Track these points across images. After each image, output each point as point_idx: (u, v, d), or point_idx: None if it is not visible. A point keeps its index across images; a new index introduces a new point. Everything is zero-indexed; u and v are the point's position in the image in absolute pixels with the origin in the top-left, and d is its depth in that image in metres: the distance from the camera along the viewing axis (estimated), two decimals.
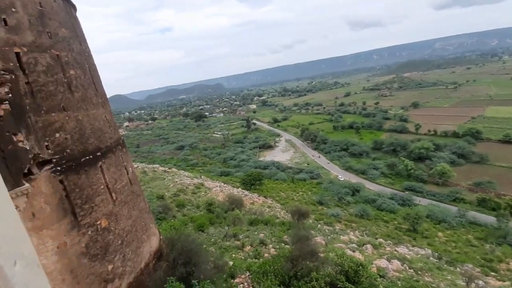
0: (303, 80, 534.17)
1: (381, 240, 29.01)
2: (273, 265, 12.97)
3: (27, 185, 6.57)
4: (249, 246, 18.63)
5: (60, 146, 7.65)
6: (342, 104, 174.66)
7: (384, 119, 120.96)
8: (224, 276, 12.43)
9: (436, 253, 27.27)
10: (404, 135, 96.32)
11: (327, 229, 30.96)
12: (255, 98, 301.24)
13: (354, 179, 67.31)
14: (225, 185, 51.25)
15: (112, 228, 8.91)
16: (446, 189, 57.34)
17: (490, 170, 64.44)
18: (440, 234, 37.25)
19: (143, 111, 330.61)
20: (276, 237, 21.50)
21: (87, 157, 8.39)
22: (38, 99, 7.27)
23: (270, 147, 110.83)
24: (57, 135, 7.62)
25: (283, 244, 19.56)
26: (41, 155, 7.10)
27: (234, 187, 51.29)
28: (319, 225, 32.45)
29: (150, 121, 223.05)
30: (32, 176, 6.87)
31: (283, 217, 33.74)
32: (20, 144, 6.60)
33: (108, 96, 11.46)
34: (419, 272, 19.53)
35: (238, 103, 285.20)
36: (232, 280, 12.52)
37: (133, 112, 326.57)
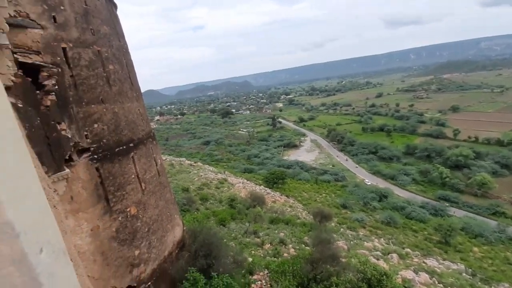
0: (333, 79, 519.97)
1: (408, 250, 27.54)
2: (292, 266, 12.88)
3: (67, 170, 7.14)
4: (269, 244, 18.66)
5: (98, 136, 8.20)
6: (373, 105, 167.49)
7: (419, 123, 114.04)
8: (243, 271, 12.59)
9: (470, 269, 25.33)
10: (441, 141, 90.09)
11: (350, 234, 30.04)
12: (282, 97, 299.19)
13: (382, 184, 64.47)
14: (248, 182, 51.70)
15: (140, 215, 9.40)
16: (486, 201, 52.85)
17: None
18: (475, 249, 34.50)
19: (173, 106, 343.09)
20: (297, 237, 21.30)
21: (121, 148, 8.91)
22: (80, 92, 7.84)
23: (294, 146, 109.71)
24: (95, 125, 8.17)
25: (303, 245, 19.34)
26: (80, 144, 7.67)
27: (256, 184, 51.57)
28: (341, 229, 31.60)
29: (179, 116, 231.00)
30: (72, 163, 7.45)
31: (304, 218, 33.32)
32: (63, 133, 7.17)
33: (142, 91, 12.05)
34: (449, 287, 18.27)
35: (265, 101, 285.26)
36: (250, 277, 12.64)
37: (164, 106, 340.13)
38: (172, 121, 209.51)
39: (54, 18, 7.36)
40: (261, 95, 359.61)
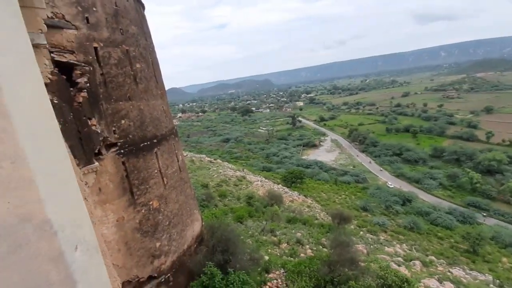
0: (356, 78, 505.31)
1: (432, 257, 26.29)
2: (308, 266, 12.77)
3: (96, 163, 7.55)
4: (286, 244, 18.61)
5: (124, 131, 8.58)
6: (398, 105, 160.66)
7: (448, 124, 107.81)
8: (259, 269, 12.66)
9: (498, 281, 23.70)
10: (472, 144, 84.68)
11: (370, 237, 29.20)
12: (303, 95, 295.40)
13: (406, 187, 61.86)
14: (266, 180, 51.73)
15: (161, 209, 9.74)
16: None
17: None
18: (505, 259, 32.23)
19: (194, 104, 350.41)
20: (314, 238, 21.06)
21: (145, 143, 9.27)
22: (109, 89, 8.24)
23: (314, 146, 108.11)
24: (123, 121, 8.55)
25: (320, 247, 19.09)
26: (109, 138, 8.08)
27: (274, 183, 51.49)
28: (361, 232, 30.79)
29: (200, 113, 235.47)
30: (101, 156, 7.87)
31: (322, 218, 32.82)
32: (93, 128, 7.59)
33: (165, 88, 12.42)
34: None
35: (285, 99, 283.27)
36: (266, 275, 12.69)
37: (186, 104, 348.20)
38: (193, 118, 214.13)
39: (87, 19, 7.78)
40: (281, 93, 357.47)
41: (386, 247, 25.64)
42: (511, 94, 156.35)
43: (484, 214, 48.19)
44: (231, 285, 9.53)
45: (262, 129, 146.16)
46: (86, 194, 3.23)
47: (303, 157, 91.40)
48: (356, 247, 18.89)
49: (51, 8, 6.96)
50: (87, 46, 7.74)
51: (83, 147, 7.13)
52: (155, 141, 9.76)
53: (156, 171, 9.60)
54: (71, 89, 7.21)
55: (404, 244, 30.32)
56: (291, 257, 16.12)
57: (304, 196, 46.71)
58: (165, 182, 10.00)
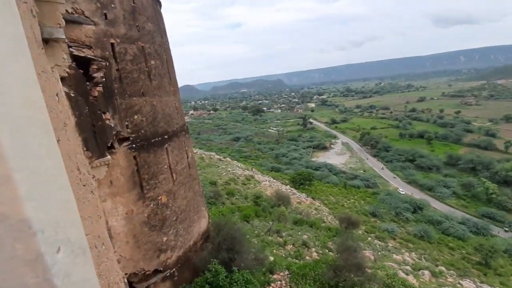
0: (370, 81, 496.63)
1: (442, 268, 25.55)
2: (313, 270, 12.66)
3: (109, 157, 7.73)
4: (291, 245, 18.51)
5: (137, 126, 8.75)
6: (413, 110, 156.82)
7: (465, 131, 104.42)
8: (263, 269, 12.64)
9: None
10: (489, 153, 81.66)
11: (378, 244, 28.65)
12: (315, 97, 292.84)
13: (417, 195, 60.37)
14: (274, 180, 51.61)
15: (169, 204, 9.87)
16: None
17: None
18: None
19: (206, 102, 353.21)
20: (320, 241, 20.85)
21: (157, 139, 9.42)
22: (124, 84, 8.42)
23: (324, 148, 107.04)
24: (135, 117, 8.72)
25: (326, 250, 18.87)
26: (122, 133, 8.25)
27: (283, 183, 51.29)
28: (369, 238, 30.25)
29: (212, 111, 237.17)
30: (113, 150, 8.05)
31: (330, 222, 32.44)
32: (107, 122, 7.77)
33: (178, 85, 12.57)
34: None
35: (297, 100, 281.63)
36: (270, 275, 12.66)
37: (198, 101, 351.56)
38: (204, 115, 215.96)
39: (105, 15, 7.96)
40: (293, 94, 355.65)
41: (394, 255, 25.10)
42: None
43: (506, 229, 46.28)
44: (235, 284, 9.56)
45: (272, 129, 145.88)
46: (92, 188, 3.30)
47: (313, 159, 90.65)
48: (363, 253, 18.57)
49: (72, 3, 7.16)
50: (105, 42, 7.93)
51: (97, 140, 7.31)
52: (166, 137, 9.90)
53: (166, 166, 9.74)
54: (88, 83, 7.40)
55: (413, 253, 29.59)
56: (296, 259, 16.02)
57: (312, 198, 46.32)
58: (174, 178, 10.12)
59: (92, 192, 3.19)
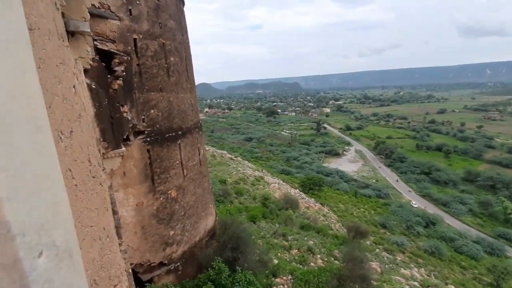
0: (389, 89, 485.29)
1: (452, 287, 24.60)
2: (317, 277, 12.48)
3: (123, 148, 7.94)
4: (296, 250, 18.34)
5: (153, 121, 8.95)
6: (433, 121, 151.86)
7: (487, 147, 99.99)
8: (267, 272, 12.60)
9: None
10: (511, 171, 77.96)
11: (386, 256, 27.91)
12: (331, 102, 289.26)
13: (431, 209, 58.35)
14: (284, 183, 51.33)
15: (179, 199, 10.03)
16: None
17: None
18: None
19: (222, 100, 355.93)
20: (326, 248, 20.54)
21: (171, 134, 9.60)
22: (143, 79, 8.63)
23: (337, 154, 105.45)
24: (152, 111, 8.92)
25: (332, 258, 18.58)
26: (138, 126, 8.46)
27: (292, 187, 50.94)
28: (377, 250, 29.50)
29: (226, 110, 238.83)
30: (128, 142, 8.27)
31: (337, 230, 31.91)
32: (124, 115, 7.99)
33: (195, 83, 12.76)
34: None
35: (312, 104, 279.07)
36: (273, 279, 12.60)
37: (214, 100, 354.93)
38: (219, 114, 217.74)
39: (130, 11, 8.20)
40: (309, 98, 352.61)
41: (402, 269, 24.38)
42: None
43: None
44: (237, 284, 9.58)
45: (285, 131, 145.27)
46: (101, 180, 3.37)
47: (324, 165, 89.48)
48: (370, 264, 18.15)
49: None
50: (128, 37, 8.17)
51: (113, 132, 7.53)
52: (180, 133, 10.06)
53: (177, 162, 9.90)
54: (109, 76, 7.65)
55: (423, 269, 28.64)
56: (300, 264, 15.86)
57: (321, 204, 45.72)
58: (185, 174, 10.28)
59: (101, 184, 3.24)
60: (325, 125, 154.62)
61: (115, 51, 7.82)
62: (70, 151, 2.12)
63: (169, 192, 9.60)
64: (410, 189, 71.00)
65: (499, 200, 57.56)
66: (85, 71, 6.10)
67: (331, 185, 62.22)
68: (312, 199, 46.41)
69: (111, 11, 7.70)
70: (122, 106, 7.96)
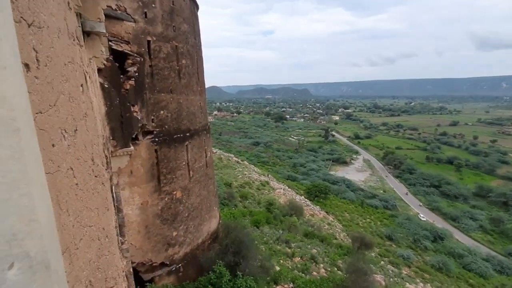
0: (400, 99, 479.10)
1: None
2: (319, 287, 12.27)
3: (132, 147, 8.05)
4: (299, 258, 18.10)
5: (162, 121, 9.06)
6: (444, 134, 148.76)
7: (500, 162, 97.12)
8: (268, 278, 12.45)
9: None
10: None
11: (391, 269, 27.24)
12: (340, 110, 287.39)
13: (440, 223, 56.85)
14: (289, 189, 50.98)
15: (183, 200, 10.07)
16: None
17: None
18: None
19: (231, 104, 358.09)
20: (330, 258, 20.21)
21: (179, 135, 9.69)
22: (155, 80, 8.78)
23: (344, 162, 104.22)
24: (161, 112, 9.04)
25: (335, 269, 18.25)
26: (147, 126, 8.58)
27: (297, 193, 50.52)
28: (382, 262, 28.84)
29: (235, 114, 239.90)
30: (137, 141, 8.39)
31: (342, 239, 31.39)
32: (135, 114, 8.12)
33: (206, 86, 12.89)
34: None
35: (321, 111, 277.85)
36: (274, 286, 12.44)
37: (223, 103, 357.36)
38: (227, 117, 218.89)
39: (145, 13, 8.39)
40: (318, 105, 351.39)
41: (407, 283, 23.74)
42: None
43: None
44: None
45: (293, 137, 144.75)
46: (104, 180, 3.39)
47: (331, 172, 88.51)
48: (374, 277, 17.74)
49: (116, 1, 7.63)
50: (142, 39, 8.34)
51: (123, 131, 7.65)
52: (187, 134, 10.15)
53: (184, 163, 9.97)
54: (121, 76, 7.81)
55: (429, 284, 27.82)
56: (302, 272, 15.63)
57: (326, 212, 45.15)
58: (191, 175, 10.33)
59: (103, 183, 3.22)
60: (333, 132, 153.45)
61: (128, 52, 7.99)
62: (73, 150, 2.10)
63: (174, 192, 9.66)
64: (421, 204, 68.88)
65: (511, 217, 55.67)
66: (99, 70, 6.24)
67: (337, 194, 61.42)
68: (317, 206, 45.89)
69: (127, 13, 7.90)
70: (133, 106, 8.10)
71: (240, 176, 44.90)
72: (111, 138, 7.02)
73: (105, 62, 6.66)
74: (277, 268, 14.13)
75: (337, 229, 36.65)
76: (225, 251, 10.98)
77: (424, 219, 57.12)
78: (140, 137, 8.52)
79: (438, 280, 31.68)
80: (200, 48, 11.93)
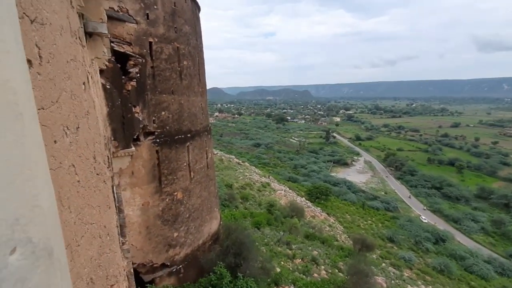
0: (402, 101, 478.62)
1: None
2: None
3: (133, 148, 8.07)
4: (300, 260, 18.05)
5: (163, 122, 9.09)
6: (445, 135, 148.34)
7: (502, 164, 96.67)
8: (268, 280, 12.41)
9: None
10: None
11: (392, 271, 27.11)
12: (341, 111, 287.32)
13: (441, 225, 56.59)
14: (290, 190, 50.91)
15: (184, 201, 10.07)
16: None
17: None
18: None
19: (232, 105, 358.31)
20: (331, 260, 20.13)
21: (180, 136, 9.71)
22: (156, 81, 8.81)
23: (345, 164, 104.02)
24: (163, 113, 9.07)
25: (336, 270, 18.17)
26: (148, 127, 8.60)
27: (298, 195, 50.43)
28: (383, 264, 28.71)
29: (236, 115, 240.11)
30: (138, 142, 8.40)
31: (343, 241, 31.28)
32: (136, 115, 8.15)
33: (207, 87, 12.92)
34: None
35: (322, 113, 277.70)
36: (275, 287, 12.40)
37: (224, 104, 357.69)
38: (229, 119, 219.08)
39: (147, 15, 8.44)
40: (319, 106, 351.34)
41: (409, 286, 23.61)
42: None
43: None
44: None
45: (294, 139, 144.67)
46: (106, 178, 3.38)
47: (332, 174, 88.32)
48: (375, 278, 17.66)
49: (118, 2, 7.67)
50: (143, 40, 8.38)
51: (124, 132, 7.68)
52: (189, 135, 10.17)
53: (185, 164, 9.98)
54: (123, 77, 7.84)
55: (430, 286, 27.68)
56: (303, 274, 15.57)
57: (327, 214, 45.03)
58: (192, 176, 10.33)
59: (104, 181, 3.22)
60: (334, 134, 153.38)
61: (130, 53, 8.03)
62: (75, 147, 2.10)
63: (175, 193, 9.66)
64: (425, 207, 68.12)
65: None
66: (101, 71, 6.27)
67: (338, 195, 61.28)
68: (318, 208, 45.79)
69: (129, 15, 7.94)
70: (134, 106, 8.13)
71: (241, 177, 44.89)
72: (112, 138, 7.04)
73: (107, 63, 6.69)
74: (278, 270, 14.09)
75: (338, 231, 36.53)
76: (226, 252, 10.96)
77: (426, 221, 56.91)
78: (141, 138, 8.55)
79: (440, 282, 31.49)
80: (202, 49, 11.97)
